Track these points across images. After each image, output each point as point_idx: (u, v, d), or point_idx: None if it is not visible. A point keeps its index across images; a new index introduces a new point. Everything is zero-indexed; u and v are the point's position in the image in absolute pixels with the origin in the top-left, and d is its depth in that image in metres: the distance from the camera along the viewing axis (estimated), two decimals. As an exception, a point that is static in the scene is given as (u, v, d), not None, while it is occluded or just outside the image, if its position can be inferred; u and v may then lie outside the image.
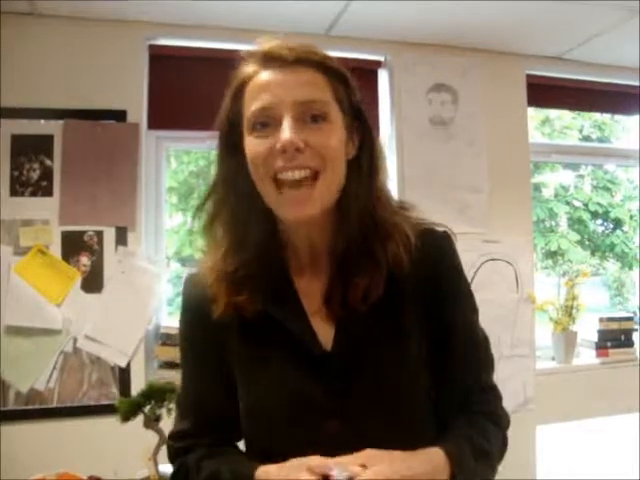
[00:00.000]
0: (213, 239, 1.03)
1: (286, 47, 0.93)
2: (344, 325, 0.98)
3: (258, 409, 0.99)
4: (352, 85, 1.00)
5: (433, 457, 0.91)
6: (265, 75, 0.93)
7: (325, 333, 0.98)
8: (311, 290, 1.01)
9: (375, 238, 0.98)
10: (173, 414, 1.17)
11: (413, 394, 0.99)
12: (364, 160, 0.99)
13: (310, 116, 0.92)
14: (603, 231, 5.54)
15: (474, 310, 1.08)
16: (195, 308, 1.05)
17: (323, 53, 0.97)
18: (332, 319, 0.98)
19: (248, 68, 0.95)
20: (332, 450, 0.89)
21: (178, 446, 1.05)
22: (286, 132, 0.89)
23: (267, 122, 0.92)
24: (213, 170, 1.03)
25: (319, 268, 1.02)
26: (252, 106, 0.93)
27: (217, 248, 1.01)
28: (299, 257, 1.02)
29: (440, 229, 1.06)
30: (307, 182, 0.92)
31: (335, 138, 0.94)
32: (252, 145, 0.93)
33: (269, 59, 0.93)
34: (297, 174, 0.91)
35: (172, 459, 1.08)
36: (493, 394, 1.07)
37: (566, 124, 5.06)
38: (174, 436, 1.08)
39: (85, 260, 2.45)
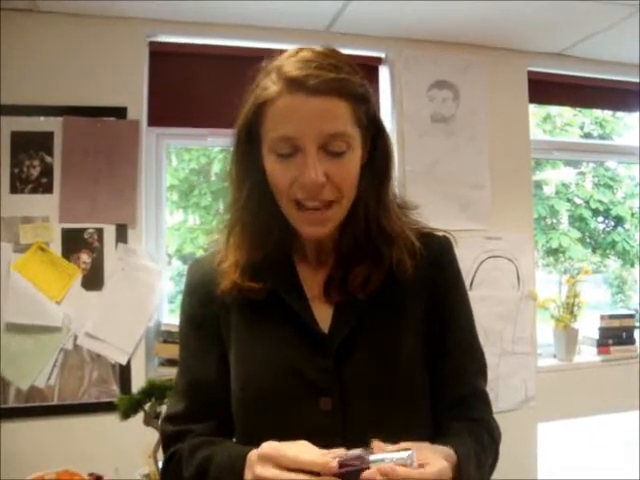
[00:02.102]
0: (229, 233, 1.06)
1: (312, 74, 0.92)
2: (342, 309, 1.02)
3: (254, 380, 1.00)
4: (371, 99, 1.01)
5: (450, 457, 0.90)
6: (289, 101, 0.92)
7: (323, 317, 1.02)
8: (313, 279, 1.05)
9: (380, 241, 1.03)
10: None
11: (407, 379, 1.01)
12: (377, 165, 1.03)
13: (332, 147, 0.94)
14: (604, 228, 5.53)
15: (471, 314, 1.11)
16: (199, 287, 1.09)
17: (345, 73, 0.95)
18: (330, 305, 1.02)
19: (271, 87, 0.94)
20: (323, 427, 0.94)
21: (171, 430, 1.05)
22: (311, 171, 0.92)
23: (288, 149, 0.94)
24: (228, 171, 1.05)
25: (323, 261, 1.06)
26: (275, 131, 0.94)
27: (233, 241, 1.05)
28: (305, 251, 1.07)
29: (440, 234, 1.10)
30: (324, 208, 0.96)
31: (353, 166, 0.97)
32: (274, 169, 0.96)
33: (294, 84, 0.92)
34: (317, 204, 0.95)
35: (164, 444, 1.07)
36: (485, 401, 1.09)
37: (567, 121, 5.05)
38: (168, 418, 1.08)
39: (85, 257, 2.45)
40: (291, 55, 0.97)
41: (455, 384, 1.05)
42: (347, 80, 0.95)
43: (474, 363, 1.09)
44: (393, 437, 0.86)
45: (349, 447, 0.84)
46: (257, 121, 0.97)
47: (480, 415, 1.06)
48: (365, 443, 0.84)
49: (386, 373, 0.99)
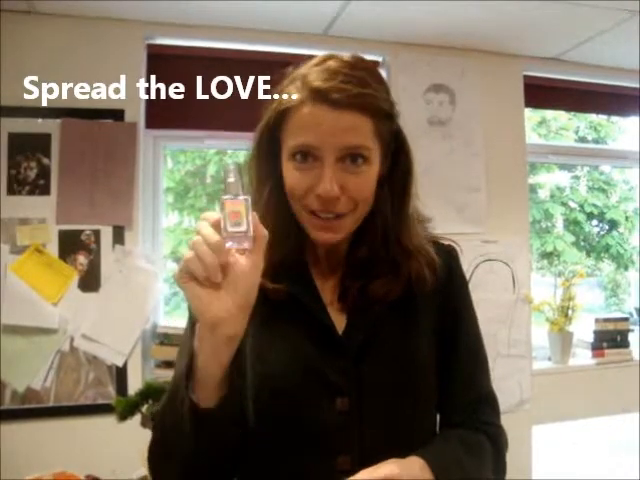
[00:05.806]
0: None
1: (336, 87, 0.91)
2: (356, 314, 1.01)
3: (272, 376, 0.98)
4: (395, 115, 1.02)
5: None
6: (311, 110, 0.92)
7: (338, 321, 1.01)
8: (325, 284, 1.05)
9: (398, 255, 1.02)
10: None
11: (422, 382, 1.02)
12: (396, 180, 1.03)
13: (350, 158, 0.94)
14: (598, 232, 5.56)
15: (477, 320, 1.13)
16: None
17: (372, 87, 0.95)
18: (343, 310, 1.02)
19: (295, 95, 0.94)
20: (340, 426, 0.95)
21: None
22: (326, 184, 0.92)
23: (307, 157, 0.94)
24: (249, 171, 1.04)
25: (335, 265, 1.06)
26: (295, 139, 0.94)
27: None
28: (317, 253, 1.06)
29: (447, 242, 1.12)
30: (336, 217, 0.96)
31: (370, 180, 0.97)
32: (291, 176, 0.96)
33: (318, 95, 0.92)
34: (330, 215, 0.95)
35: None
36: (493, 406, 1.10)
37: (562, 125, 5.08)
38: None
39: (82, 259, 2.44)
40: (318, 63, 0.96)
41: (464, 390, 1.07)
42: (372, 95, 0.94)
43: (482, 368, 1.11)
44: (407, 438, 0.87)
45: (364, 447, 0.85)
46: (279, 126, 0.97)
47: (486, 419, 1.07)
48: (379, 443, 0.86)
49: (402, 375, 0.99)
